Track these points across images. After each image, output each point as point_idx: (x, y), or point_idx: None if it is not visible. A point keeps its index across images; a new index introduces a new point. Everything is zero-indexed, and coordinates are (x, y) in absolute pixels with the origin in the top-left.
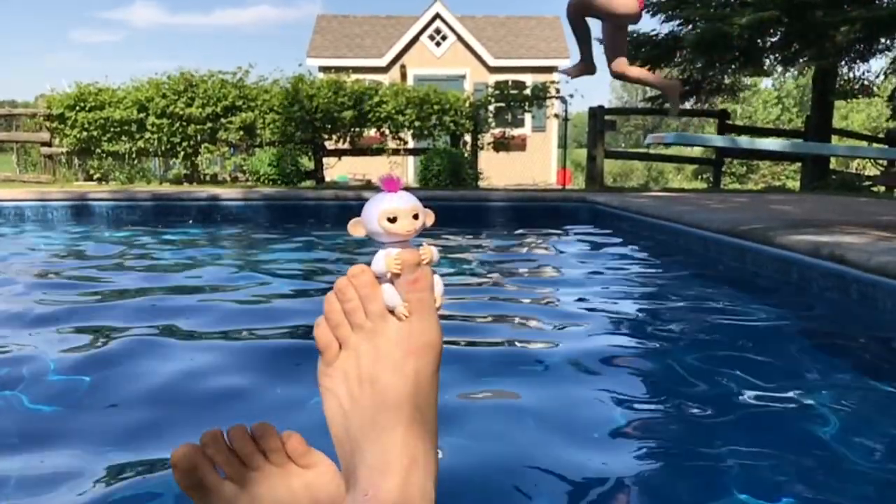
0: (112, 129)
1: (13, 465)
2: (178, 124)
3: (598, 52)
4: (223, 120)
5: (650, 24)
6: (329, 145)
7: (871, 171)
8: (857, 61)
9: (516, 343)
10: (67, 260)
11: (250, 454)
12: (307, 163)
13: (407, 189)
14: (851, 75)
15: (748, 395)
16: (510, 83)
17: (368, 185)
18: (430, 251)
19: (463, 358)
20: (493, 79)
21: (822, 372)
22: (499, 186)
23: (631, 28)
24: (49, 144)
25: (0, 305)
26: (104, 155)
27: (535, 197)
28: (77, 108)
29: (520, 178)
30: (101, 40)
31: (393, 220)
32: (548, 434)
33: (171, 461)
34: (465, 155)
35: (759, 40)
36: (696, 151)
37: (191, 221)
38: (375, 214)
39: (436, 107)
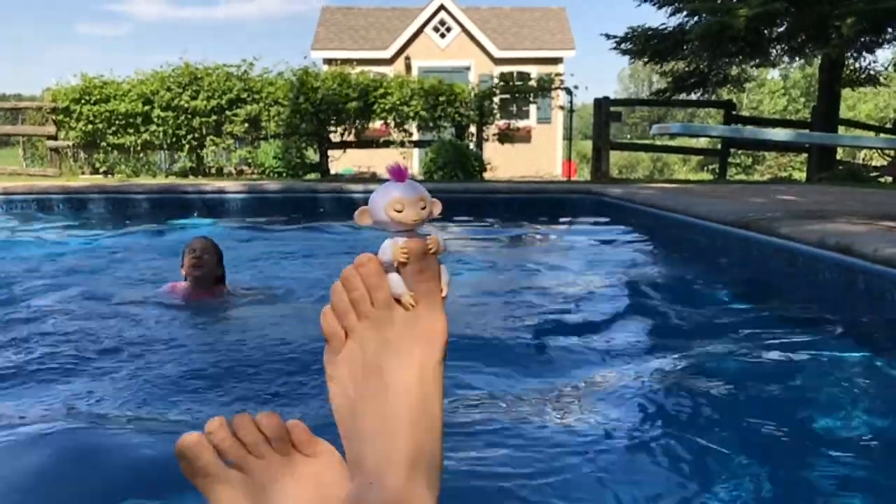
0: (117, 122)
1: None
2: (183, 117)
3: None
4: (228, 113)
5: (658, 18)
6: (334, 138)
7: (879, 161)
8: (864, 52)
9: (518, 337)
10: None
11: (255, 443)
12: (312, 155)
13: (412, 180)
14: (858, 65)
15: (751, 389)
16: (515, 75)
17: (374, 178)
18: (436, 241)
19: (463, 352)
20: (497, 70)
21: (829, 363)
22: (504, 178)
23: (637, 23)
24: (55, 138)
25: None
26: (110, 148)
27: (540, 189)
28: (82, 101)
29: (525, 170)
30: (106, 33)
31: (400, 209)
32: (546, 424)
33: (175, 450)
34: (470, 147)
35: (765, 31)
36: (702, 143)
37: (195, 214)
38: (382, 204)
39: (441, 98)
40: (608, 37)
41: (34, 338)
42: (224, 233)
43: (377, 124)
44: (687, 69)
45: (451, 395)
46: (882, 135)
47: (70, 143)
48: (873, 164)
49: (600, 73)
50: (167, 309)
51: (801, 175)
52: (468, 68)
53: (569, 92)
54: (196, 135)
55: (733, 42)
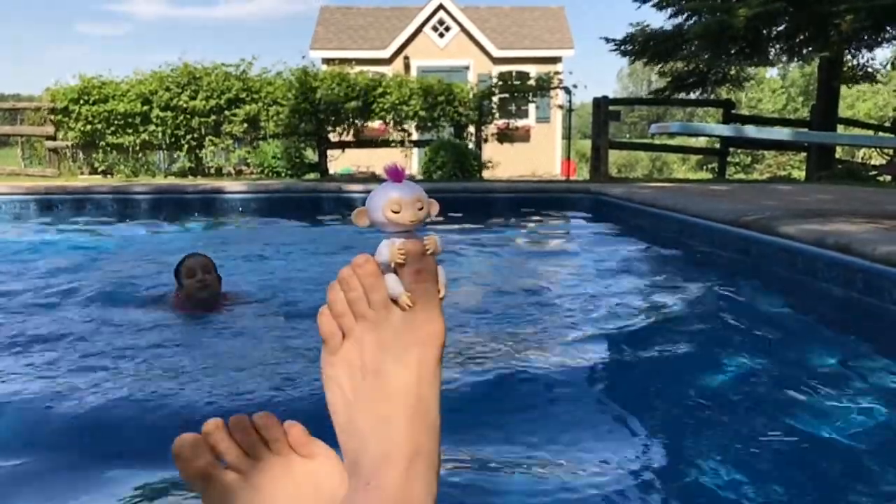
0: (116, 123)
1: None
2: (181, 117)
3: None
4: (227, 112)
5: (657, 18)
6: (333, 137)
7: (878, 160)
8: (863, 50)
9: (520, 336)
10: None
11: (253, 444)
12: (311, 155)
13: (411, 180)
14: (855, 62)
15: (753, 387)
16: (514, 74)
17: (373, 178)
18: (434, 241)
19: (464, 352)
20: (496, 70)
21: (827, 362)
22: (503, 178)
23: (639, 19)
24: (54, 138)
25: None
26: (108, 148)
27: (539, 188)
28: (81, 101)
29: (524, 169)
30: (106, 33)
31: (397, 210)
32: (548, 422)
33: (173, 450)
34: (469, 146)
35: (764, 30)
36: (701, 142)
37: (196, 214)
38: (380, 204)
39: (439, 98)
40: (608, 40)
41: (32, 344)
42: (223, 233)
43: (376, 124)
44: (686, 69)
45: (449, 395)
46: (881, 133)
47: (69, 144)
48: (872, 162)
49: (599, 73)
50: (168, 317)
51: (800, 174)
52: (467, 68)
53: (568, 91)
54: (195, 135)
55: (733, 42)
